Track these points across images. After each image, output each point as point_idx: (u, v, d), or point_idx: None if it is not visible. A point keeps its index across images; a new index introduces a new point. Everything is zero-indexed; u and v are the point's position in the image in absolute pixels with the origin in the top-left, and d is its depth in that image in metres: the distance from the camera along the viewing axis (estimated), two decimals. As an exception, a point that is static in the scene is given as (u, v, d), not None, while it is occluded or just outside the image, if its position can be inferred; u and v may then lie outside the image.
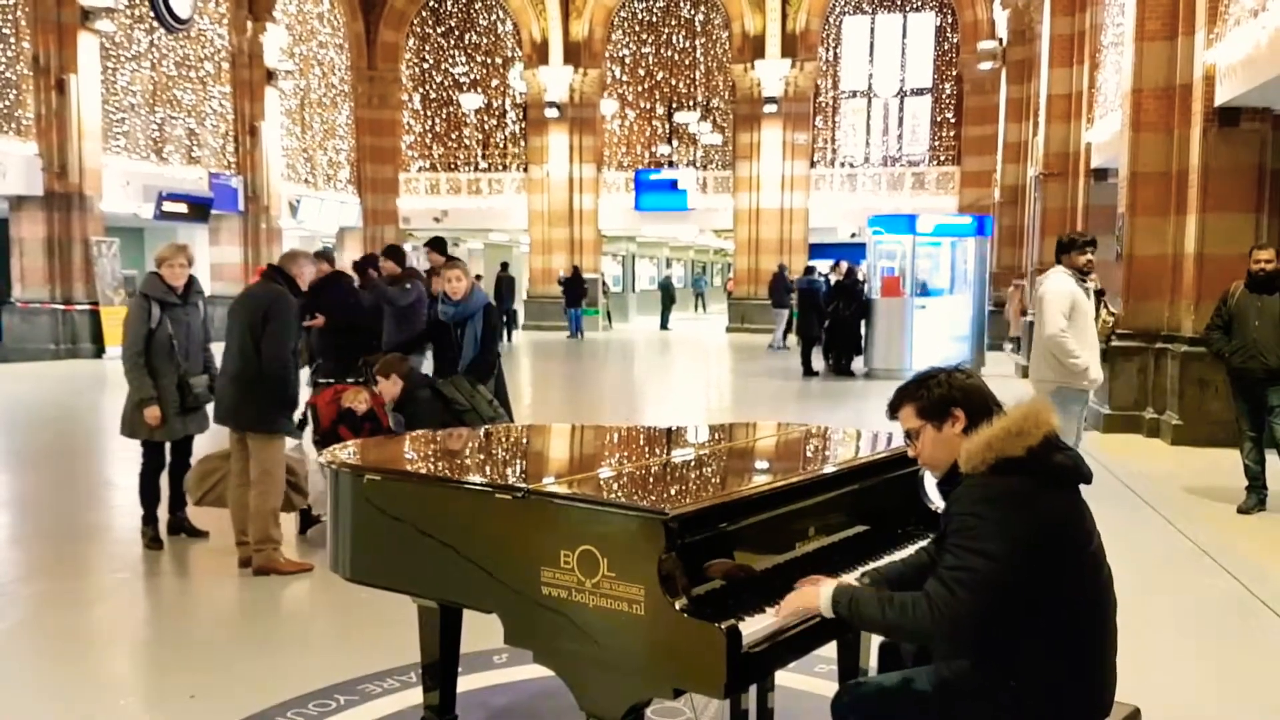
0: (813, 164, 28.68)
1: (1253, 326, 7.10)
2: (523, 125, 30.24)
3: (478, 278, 8.45)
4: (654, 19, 29.45)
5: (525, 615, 2.71)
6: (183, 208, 22.34)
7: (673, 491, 3.13)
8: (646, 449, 3.80)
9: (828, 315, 17.63)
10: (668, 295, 32.48)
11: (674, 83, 29.60)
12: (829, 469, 3.36)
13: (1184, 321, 10.31)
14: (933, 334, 16.48)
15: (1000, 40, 24.05)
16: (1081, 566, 2.49)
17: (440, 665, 3.57)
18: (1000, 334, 20.56)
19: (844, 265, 18.83)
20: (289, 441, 6.13)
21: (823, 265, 22.11)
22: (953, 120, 27.88)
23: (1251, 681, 4.47)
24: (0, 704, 4.13)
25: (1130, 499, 7.72)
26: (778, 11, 27.41)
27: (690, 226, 32.35)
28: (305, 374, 7.08)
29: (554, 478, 3.26)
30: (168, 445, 6.39)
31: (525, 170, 30.10)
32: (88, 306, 19.76)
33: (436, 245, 9.11)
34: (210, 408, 6.16)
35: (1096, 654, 2.51)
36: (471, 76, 30.49)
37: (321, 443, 6.47)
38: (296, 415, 6.03)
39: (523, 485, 2.81)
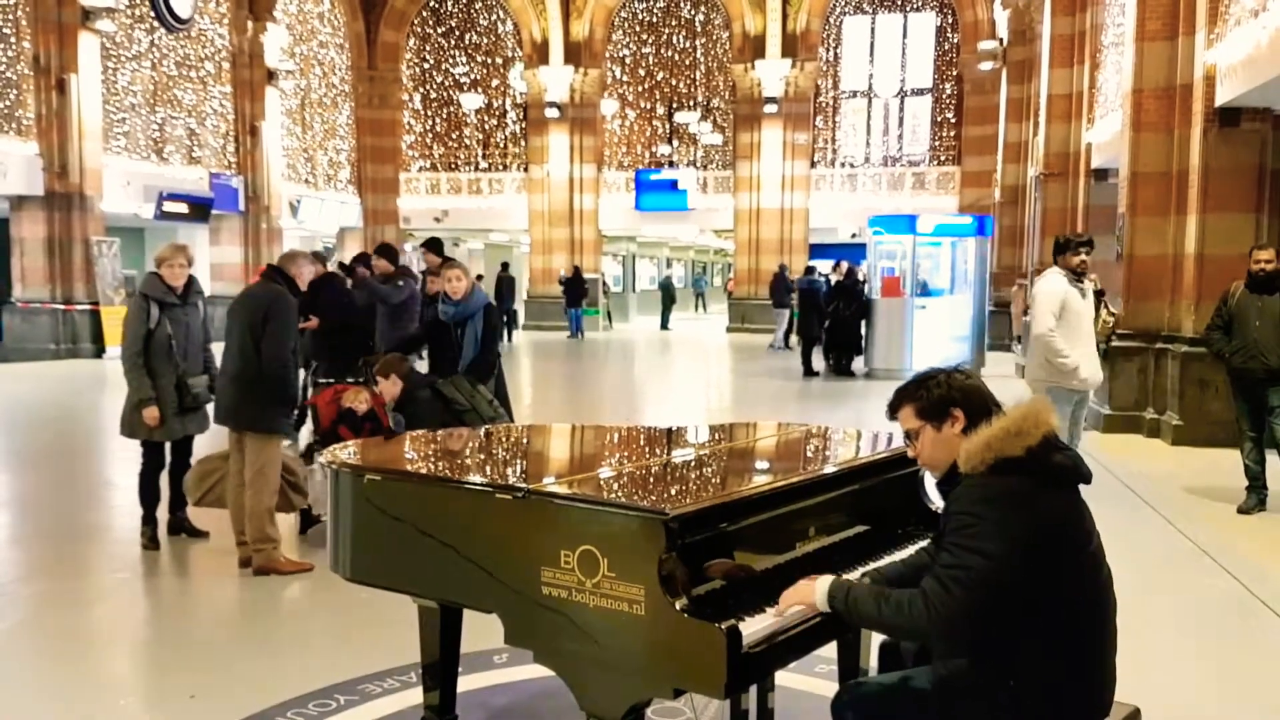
0: (813, 164, 28.68)
1: (1253, 327, 7.10)
2: (523, 125, 30.24)
3: (479, 278, 8.47)
4: (654, 19, 29.45)
5: (525, 615, 2.71)
6: (183, 208, 22.34)
7: (673, 491, 3.13)
8: (647, 449, 3.80)
9: (828, 315, 17.62)
10: (668, 295, 32.48)
11: (674, 83, 29.60)
12: (829, 469, 3.36)
13: (1184, 322, 10.31)
14: (933, 334, 16.48)
15: (1001, 40, 24.04)
16: (1080, 566, 2.49)
17: (440, 665, 3.57)
18: (1000, 334, 20.56)
19: (844, 265, 18.83)
20: (285, 442, 6.14)
21: (824, 266, 22.11)
22: (953, 120, 27.88)
23: (1252, 681, 4.47)
24: (2, 703, 4.13)
25: (1130, 499, 7.72)
26: (778, 12, 27.41)
27: (690, 226, 32.35)
28: (303, 376, 7.09)
29: (554, 478, 3.26)
30: (167, 445, 6.40)
31: (526, 170, 30.10)
32: (88, 306, 19.77)
33: (433, 246, 9.11)
34: (210, 408, 6.17)
35: (1096, 654, 2.51)
36: (472, 76, 30.50)
37: (322, 443, 6.47)
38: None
39: (523, 485, 2.81)
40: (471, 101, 29.84)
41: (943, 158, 28.18)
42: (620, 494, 2.94)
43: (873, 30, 28.48)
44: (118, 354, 6.35)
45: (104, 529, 7.13)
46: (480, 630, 3.52)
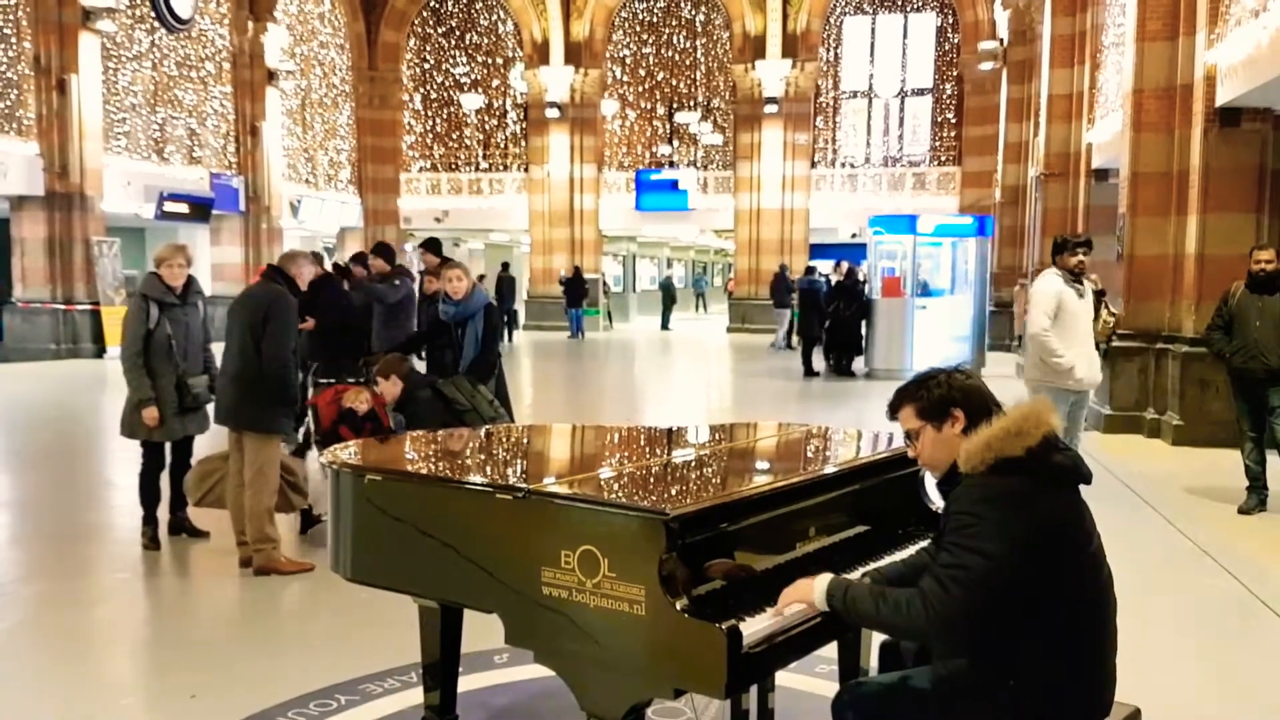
0: (813, 164, 28.69)
1: (1253, 327, 7.10)
2: (523, 125, 30.24)
3: (481, 278, 8.46)
4: (655, 19, 29.46)
5: (526, 615, 2.71)
6: (184, 208, 22.35)
7: (673, 492, 3.13)
8: (647, 449, 3.80)
9: (828, 315, 17.62)
10: (668, 295, 32.48)
11: (675, 83, 29.60)
12: (829, 469, 3.36)
13: (1185, 322, 10.31)
14: (933, 334, 16.48)
15: (1001, 40, 24.04)
16: (1080, 567, 2.49)
17: (441, 665, 3.57)
18: (1001, 334, 20.57)
19: (844, 265, 18.83)
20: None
21: (824, 266, 22.11)
22: (953, 120, 27.88)
23: (1252, 682, 4.47)
24: (1, 704, 4.13)
25: (1131, 499, 7.72)
26: (778, 12, 27.41)
27: (691, 227, 32.37)
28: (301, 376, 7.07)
29: (555, 478, 3.26)
30: (168, 446, 6.40)
31: (526, 170, 30.10)
32: (89, 306, 19.77)
33: (431, 246, 9.09)
34: (211, 408, 6.17)
35: (1096, 654, 2.51)
36: (472, 77, 30.50)
37: (322, 443, 6.47)
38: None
39: (523, 485, 2.82)
40: (472, 102, 29.85)
41: (943, 158, 28.18)
42: (621, 494, 2.94)
43: (873, 30, 28.48)
44: (118, 354, 6.35)
45: (104, 529, 7.13)
46: (481, 630, 3.52)
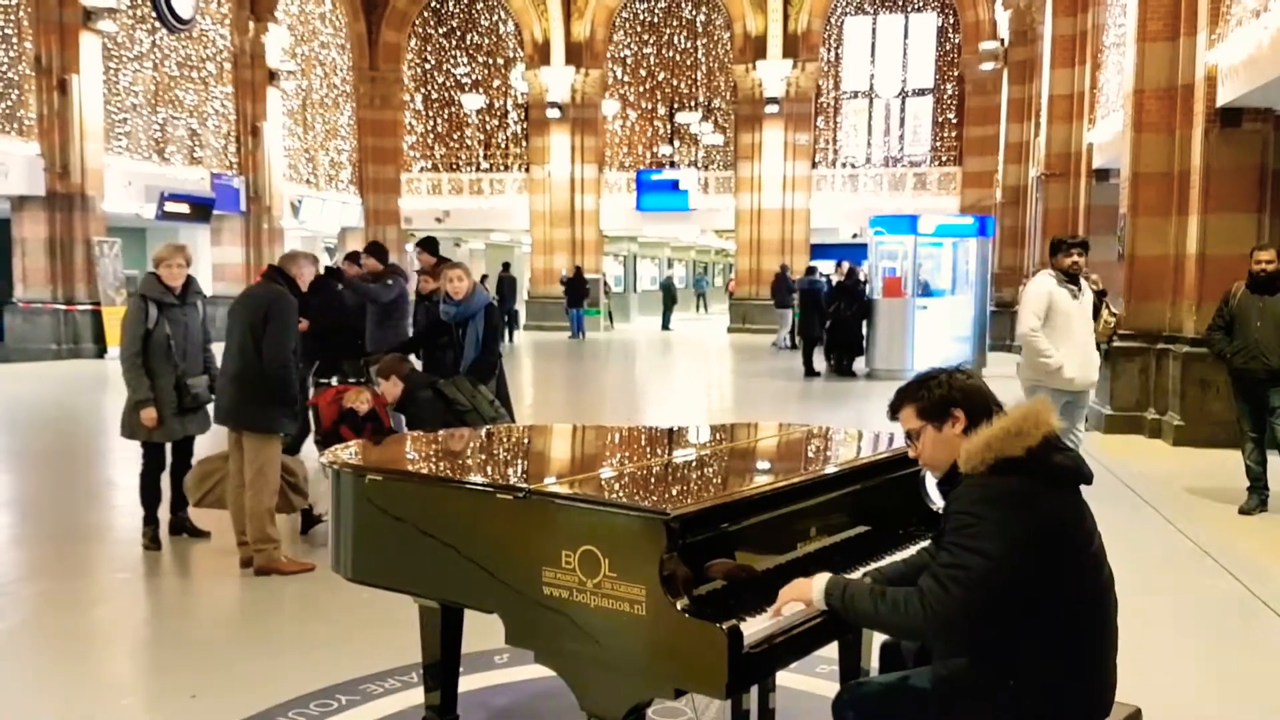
0: (814, 164, 28.69)
1: (1254, 327, 7.09)
2: (524, 126, 30.25)
3: (483, 278, 8.43)
4: (655, 19, 29.46)
5: (526, 615, 2.72)
6: (184, 208, 22.36)
7: (674, 492, 3.13)
8: (648, 449, 3.80)
9: (829, 316, 17.62)
10: (669, 295, 32.48)
11: (675, 83, 29.61)
12: (830, 469, 3.36)
13: (1186, 322, 10.30)
14: (934, 334, 16.48)
15: (1002, 41, 24.05)
16: (1081, 567, 2.49)
17: (441, 665, 3.57)
18: (1002, 334, 20.57)
19: (845, 265, 18.83)
20: None
21: (825, 266, 22.12)
22: (954, 121, 27.88)
23: (1253, 682, 4.47)
24: (2, 703, 4.13)
25: (1131, 499, 7.72)
26: (779, 12, 27.41)
27: (692, 227, 32.38)
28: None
29: (555, 478, 3.26)
30: (168, 446, 6.40)
31: (527, 170, 30.11)
32: (89, 307, 19.78)
33: (428, 245, 8.98)
34: (211, 408, 6.17)
35: (1096, 654, 2.51)
36: (473, 77, 30.51)
37: (323, 443, 6.48)
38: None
39: (524, 485, 2.82)
40: (473, 102, 29.86)
41: (944, 158, 28.18)
42: (621, 494, 2.94)
43: (874, 31, 28.48)
44: (118, 354, 6.35)
45: (105, 529, 7.14)
46: (481, 630, 3.52)
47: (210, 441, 6.61)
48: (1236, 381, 7.34)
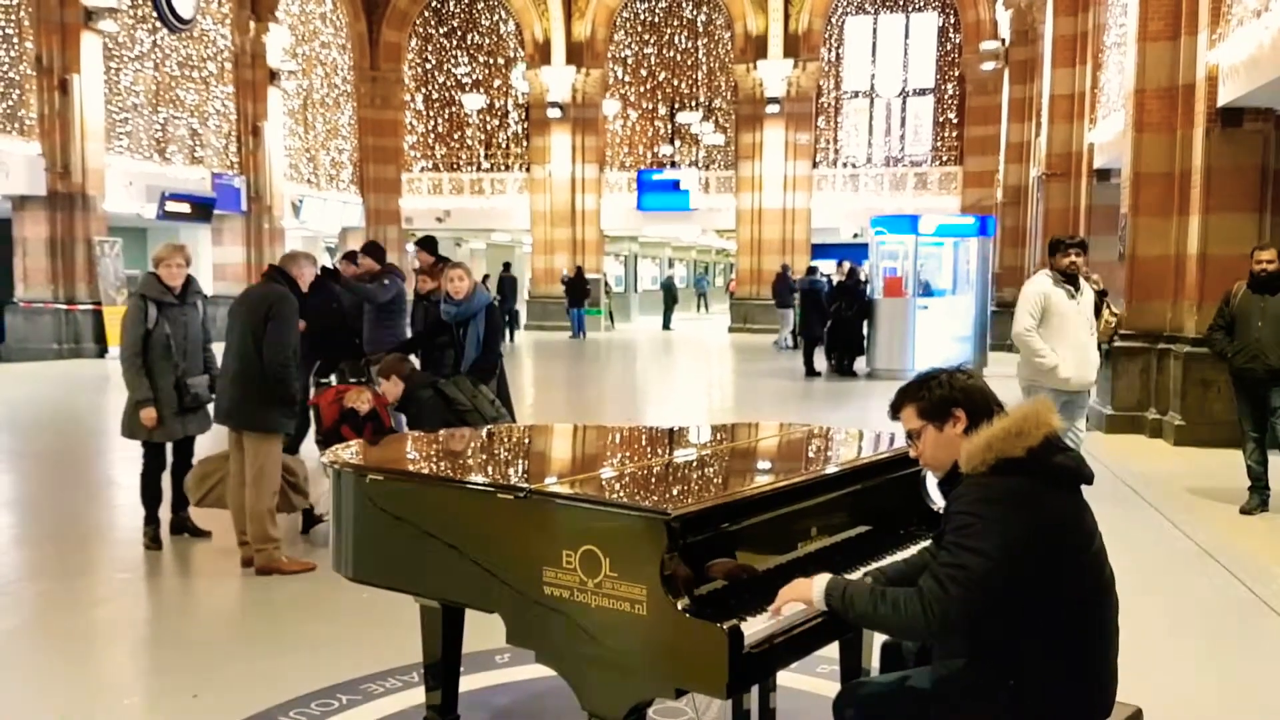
0: (815, 164, 28.68)
1: (1255, 327, 7.09)
2: (525, 125, 30.26)
3: (485, 278, 8.42)
4: (656, 19, 29.46)
5: (527, 615, 2.72)
6: (185, 208, 22.37)
7: (675, 492, 3.14)
8: (649, 449, 3.81)
9: (830, 315, 17.62)
10: (670, 295, 32.48)
11: (676, 83, 29.61)
12: (831, 469, 3.36)
13: (1186, 322, 10.30)
14: (935, 334, 16.47)
15: (1003, 40, 24.05)
16: (1081, 567, 2.49)
17: (442, 665, 3.57)
18: (1003, 334, 20.54)
19: (846, 265, 18.83)
20: None
21: (826, 266, 22.11)
22: (955, 120, 27.87)
23: (1254, 682, 4.46)
24: (4, 703, 4.14)
25: (1132, 499, 7.72)
26: (780, 12, 27.41)
27: (693, 227, 32.38)
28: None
29: (556, 478, 3.26)
30: (169, 446, 6.40)
31: (528, 170, 30.11)
32: (90, 306, 19.79)
33: (426, 245, 8.93)
34: (211, 407, 6.17)
35: (1097, 654, 2.51)
36: (474, 77, 30.51)
37: (324, 443, 6.48)
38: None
39: (525, 485, 2.82)
40: (473, 102, 29.86)
41: (945, 158, 28.18)
42: (622, 494, 2.94)
43: (875, 30, 28.48)
44: (119, 354, 6.36)
45: (107, 529, 7.14)
46: (482, 630, 3.52)
47: (211, 441, 6.61)
48: (1237, 381, 7.34)
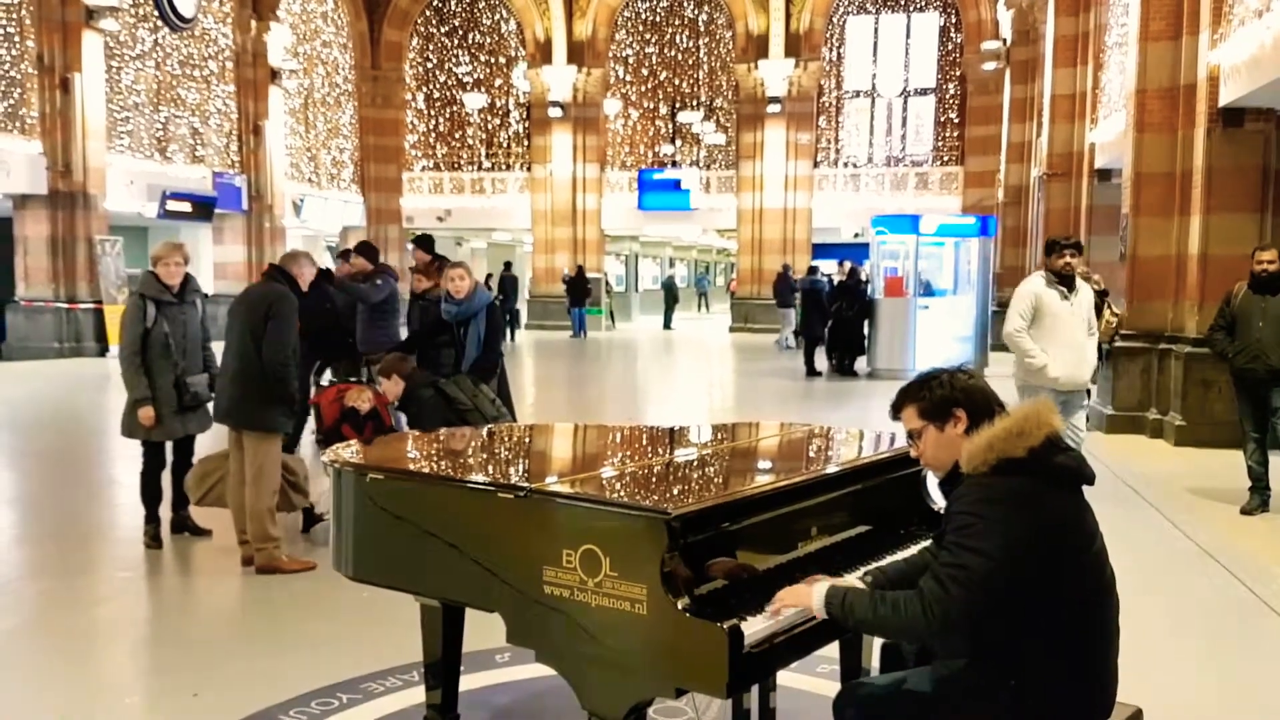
0: (816, 164, 28.68)
1: (1256, 327, 7.09)
2: (526, 125, 30.26)
3: (489, 277, 8.41)
4: (658, 19, 29.46)
5: (527, 614, 2.72)
6: (186, 207, 22.37)
7: (675, 491, 3.14)
8: (649, 449, 3.81)
9: (831, 315, 17.62)
10: (671, 295, 32.49)
11: (677, 82, 29.60)
12: (831, 469, 3.36)
13: (1188, 322, 10.30)
14: (936, 334, 16.47)
15: (1004, 40, 24.05)
16: (1082, 568, 2.49)
17: (442, 664, 3.57)
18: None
19: (847, 265, 18.83)
20: None
21: (828, 266, 22.10)
22: (956, 120, 27.87)
23: (1254, 682, 4.46)
24: (5, 701, 4.14)
25: (1133, 499, 7.72)
26: (781, 11, 27.41)
27: (693, 226, 32.37)
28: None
29: (556, 477, 3.27)
30: (169, 445, 6.40)
31: (529, 170, 30.11)
32: (91, 305, 19.79)
33: (423, 243, 8.88)
34: (211, 406, 6.17)
35: (1098, 654, 2.51)
36: (475, 76, 30.51)
37: (325, 442, 6.48)
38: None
39: (525, 484, 2.82)
40: (474, 101, 29.86)
41: (946, 158, 28.17)
42: (623, 493, 2.94)
43: (876, 30, 28.48)
44: (117, 353, 6.36)
45: (108, 528, 7.14)
46: (482, 629, 3.52)
47: (211, 440, 6.61)
48: (1238, 382, 7.33)
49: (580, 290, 26.80)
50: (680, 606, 2.44)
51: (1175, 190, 10.62)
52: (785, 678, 3.67)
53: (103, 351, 19.39)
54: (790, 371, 17.75)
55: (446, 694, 3.60)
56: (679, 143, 29.78)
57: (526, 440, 4.14)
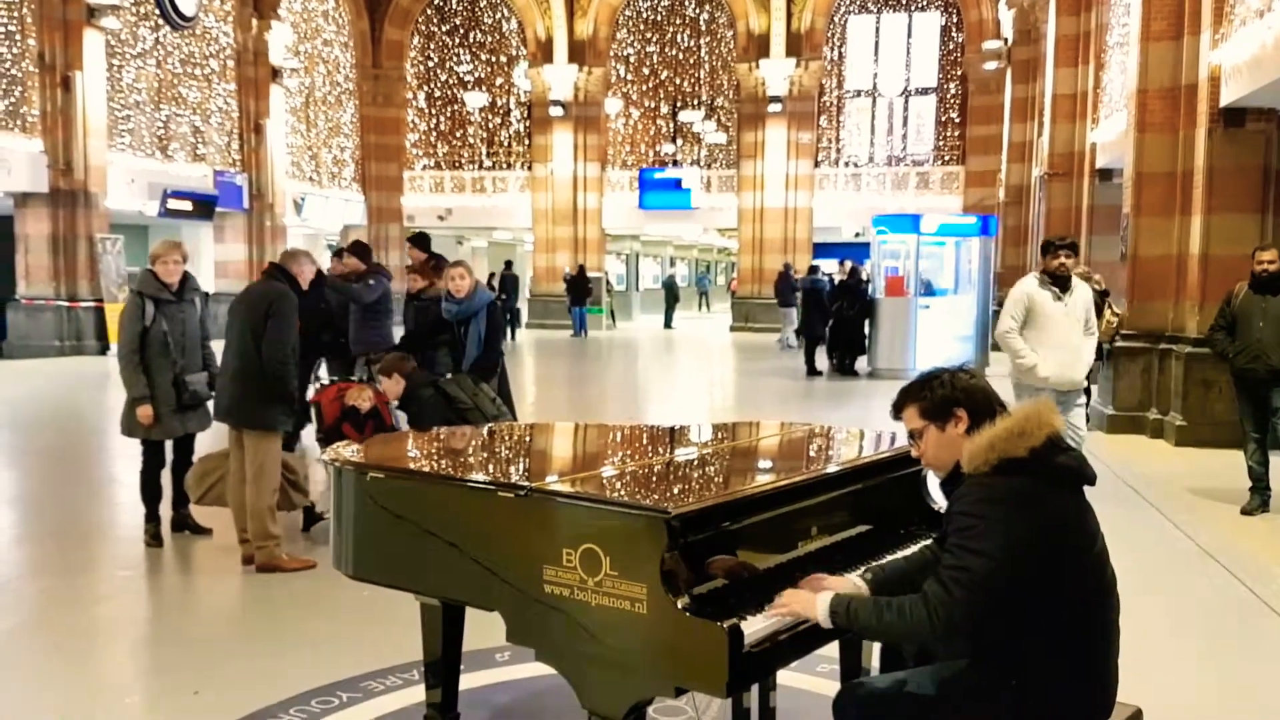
0: (817, 163, 28.67)
1: (1256, 327, 7.09)
2: (527, 123, 30.25)
3: (491, 276, 8.38)
4: (659, 18, 29.45)
5: (527, 613, 2.72)
6: (187, 205, 22.37)
7: (675, 490, 3.14)
8: (649, 448, 3.80)
9: (831, 315, 17.62)
10: (672, 294, 32.48)
11: (678, 81, 29.60)
12: (832, 468, 3.36)
13: (1188, 322, 10.29)
14: (936, 334, 16.46)
15: (1005, 40, 24.04)
16: (1083, 568, 2.49)
17: (443, 663, 3.57)
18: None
19: (848, 264, 18.82)
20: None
21: (829, 265, 22.10)
22: (957, 120, 27.86)
23: (1254, 682, 4.46)
24: (6, 700, 4.14)
25: (1133, 499, 7.72)
26: (782, 10, 27.40)
27: (694, 225, 32.36)
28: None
29: (557, 476, 3.27)
30: (168, 443, 6.39)
31: (529, 168, 30.11)
32: (92, 303, 19.79)
33: (419, 242, 8.80)
34: (211, 405, 6.17)
35: (1098, 655, 2.51)
36: (476, 75, 30.51)
37: (325, 441, 6.48)
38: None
39: (525, 483, 2.82)
40: (476, 100, 29.85)
41: (947, 157, 28.16)
42: (623, 493, 2.94)
43: (877, 29, 28.47)
44: (116, 352, 6.35)
45: (108, 526, 7.14)
46: (482, 628, 3.52)
47: (211, 439, 6.61)
48: (1239, 382, 7.33)
49: (581, 289, 26.80)
50: (680, 606, 2.44)
51: (1176, 190, 10.61)
52: (785, 677, 3.67)
53: (103, 350, 19.38)
54: (791, 371, 17.75)
55: (446, 693, 3.60)
56: (680, 142, 29.78)
57: (527, 439, 4.14)
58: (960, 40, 27.55)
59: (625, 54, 29.71)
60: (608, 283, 30.82)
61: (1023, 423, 2.50)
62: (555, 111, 28.78)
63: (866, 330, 17.38)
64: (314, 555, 5.95)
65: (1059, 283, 6.64)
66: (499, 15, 30.18)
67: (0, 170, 18.35)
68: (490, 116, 30.69)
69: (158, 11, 21.98)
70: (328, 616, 5.13)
